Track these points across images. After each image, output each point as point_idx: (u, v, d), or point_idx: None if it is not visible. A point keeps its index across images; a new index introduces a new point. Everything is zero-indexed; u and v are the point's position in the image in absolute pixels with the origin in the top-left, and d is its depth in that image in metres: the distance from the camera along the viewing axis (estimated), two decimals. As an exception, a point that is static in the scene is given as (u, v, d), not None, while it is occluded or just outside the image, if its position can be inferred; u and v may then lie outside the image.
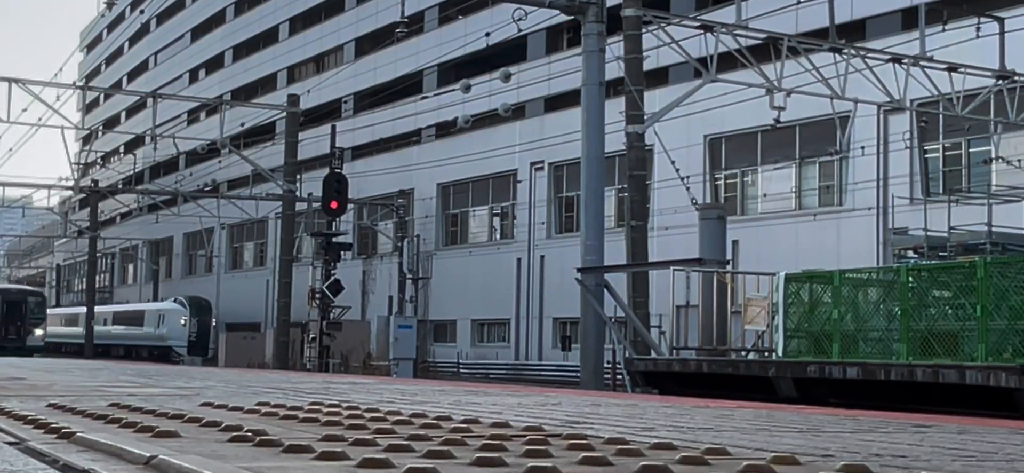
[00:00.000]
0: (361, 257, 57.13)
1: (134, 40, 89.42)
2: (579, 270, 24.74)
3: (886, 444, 5.04)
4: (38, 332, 59.67)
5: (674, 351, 22.74)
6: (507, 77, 41.14)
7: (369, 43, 58.08)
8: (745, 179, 41.80)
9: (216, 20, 77.10)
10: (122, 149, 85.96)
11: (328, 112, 56.87)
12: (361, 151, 58.58)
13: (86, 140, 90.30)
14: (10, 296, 61.46)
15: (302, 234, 50.93)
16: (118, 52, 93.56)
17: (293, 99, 44.37)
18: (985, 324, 16.02)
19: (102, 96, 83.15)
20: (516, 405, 7.87)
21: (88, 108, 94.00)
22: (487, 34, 39.10)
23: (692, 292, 23.69)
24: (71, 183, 61.17)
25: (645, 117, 25.92)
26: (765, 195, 40.98)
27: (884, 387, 16.48)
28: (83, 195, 69.77)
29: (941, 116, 32.37)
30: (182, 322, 61.06)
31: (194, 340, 61.30)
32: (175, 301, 64.26)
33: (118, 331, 65.99)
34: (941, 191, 33.92)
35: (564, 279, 36.14)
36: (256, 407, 6.79)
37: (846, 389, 17.13)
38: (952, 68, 28.93)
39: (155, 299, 70.47)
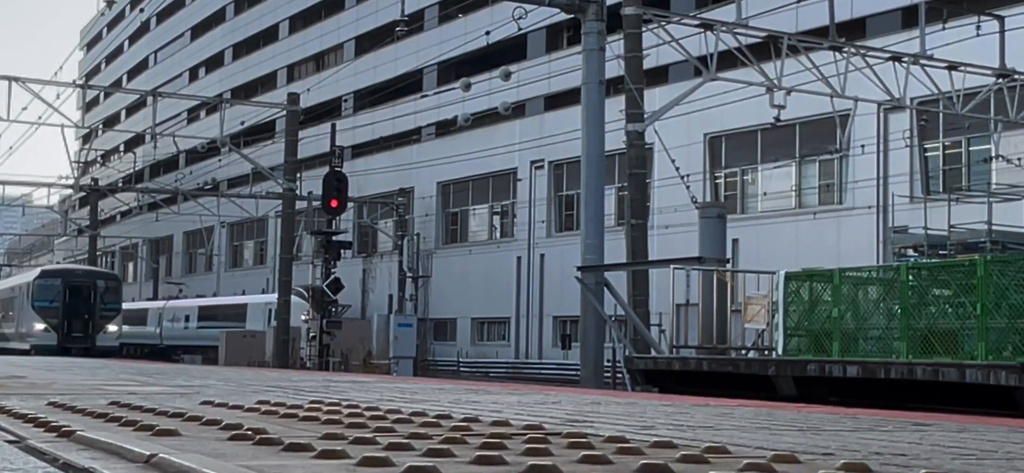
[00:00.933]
0: (361, 255, 57.13)
1: (134, 38, 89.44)
2: (579, 268, 24.73)
3: (886, 442, 5.04)
4: (111, 328, 45.48)
5: (674, 350, 22.74)
6: (507, 75, 41.12)
7: (369, 41, 58.08)
8: (745, 177, 41.80)
9: (216, 18, 77.12)
10: (122, 147, 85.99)
11: (328, 110, 56.88)
12: (361, 150, 58.57)
13: (86, 138, 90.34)
14: (75, 280, 46.42)
15: (302, 232, 50.91)
16: (118, 50, 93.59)
17: (293, 97, 44.35)
18: (985, 322, 16.02)
19: (102, 94, 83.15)
20: (516, 403, 7.87)
21: (88, 106, 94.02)
22: (487, 32, 39.10)
23: (692, 291, 23.69)
24: (71, 181, 61.26)
25: (645, 115, 25.91)
26: (765, 194, 40.98)
27: (884, 385, 16.47)
28: (83, 194, 69.74)
29: (941, 114, 32.38)
30: (303, 317, 49.50)
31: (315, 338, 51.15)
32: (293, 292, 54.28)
33: (207, 330, 54.38)
34: (941, 189, 33.93)
35: (564, 278, 36.14)
36: (256, 405, 6.79)
37: (846, 387, 17.12)
38: (952, 66, 28.92)
39: (155, 297, 69.70)
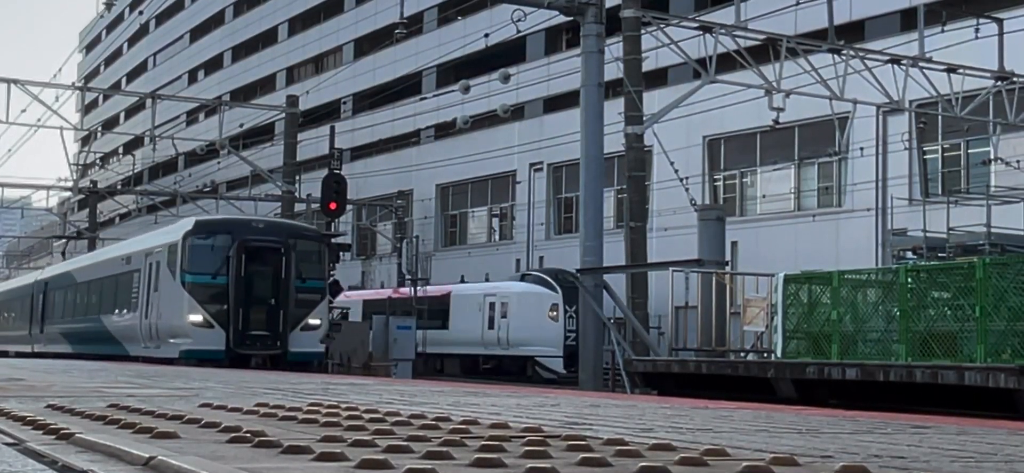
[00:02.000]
0: (360, 258, 57.11)
1: (133, 41, 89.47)
2: (578, 271, 24.73)
3: (885, 445, 5.04)
4: (313, 322, 27.70)
5: (673, 352, 22.75)
6: (506, 78, 41.13)
7: (368, 44, 58.11)
8: (744, 180, 41.81)
9: (215, 21, 77.16)
10: (121, 150, 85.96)
11: (327, 113, 56.89)
12: (360, 152, 58.59)
13: (85, 141, 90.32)
14: (255, 239, 27.44)
15: (301, 235, 50.78)
16: (117, 53, 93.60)
17: (292, 100, 44.36)
18: (984, 325, 16.03)
19: (101, 97, 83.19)
20: (515, 406, 7.86)
21: (87, 109, 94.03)
22: (486, 35, 39.11)
23: (691, 293, 23.70)
24: (70, 184, 61.14)
25: (644, 118, 25.92)
26: (764, 196, 41.00)
27: (883, 388, 16.47)
28: (82, 196, 69.71)
29: (940, 117, 32.39)
30: (553, 313, 36.64)
31: (573, 344, 33.64)
32: (525, 278, 39.15)
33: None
34: (940, 192, 33.96)
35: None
36: (255, 408, 6.78)
37: (845, 390, 17.12)
38: (951, 69, 28.93)
39: None
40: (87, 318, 34.84)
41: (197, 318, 26.53)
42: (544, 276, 37.60)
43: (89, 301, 35.39)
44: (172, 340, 27.09)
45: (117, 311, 31.84)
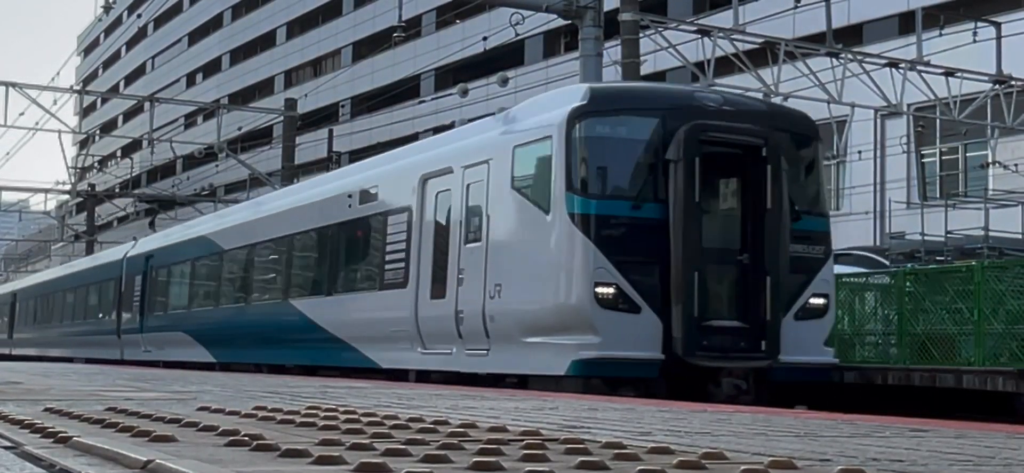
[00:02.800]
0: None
1: (131, 44, 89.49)
2: (576, 274, 24.65)
3: (883, 448, 5.03)
4: (818, 302, 14.05)
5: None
6: (504, 81, 41.07)
7: (366, 47, 58.15)
8: (742, 183, 41.78)
9: (213, 24, 77.20)
10: (119, 153, 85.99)
11: (326, 116, 56.90)
12: (358, 155, 58.50)
13: (83, 144, 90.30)
14: (713, 128, 13.49)
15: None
16: (115, 56, 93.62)
17: (290, 103, 44.34)
18: (982, 328, 16.02)
19: (99, 100, 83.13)
20: (513, 409, 7.86)
21: (85, 112, 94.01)
22: (484, 38, 39.11)
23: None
24: (68, 187, 61.16)
25: (642, 121, 25.88)
26: (762, 199, 40.99)
27: (881, 391, 16.47)
28: (80, 199, 69.66)
29: (938, 120, 32.41)
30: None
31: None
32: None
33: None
34: (938, 195, 33.99)
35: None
36: (253, 411, 6.78)
37: (843, 393, 17.12)
38: (949, 72, 28.94)
39: None
40: (253, 305, 22.44)
41: (607, 290, 13.07)
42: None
43: (252, 278, 22.88)
44: (535, 339, 13.49)
45: (342, 290, 18.88)
